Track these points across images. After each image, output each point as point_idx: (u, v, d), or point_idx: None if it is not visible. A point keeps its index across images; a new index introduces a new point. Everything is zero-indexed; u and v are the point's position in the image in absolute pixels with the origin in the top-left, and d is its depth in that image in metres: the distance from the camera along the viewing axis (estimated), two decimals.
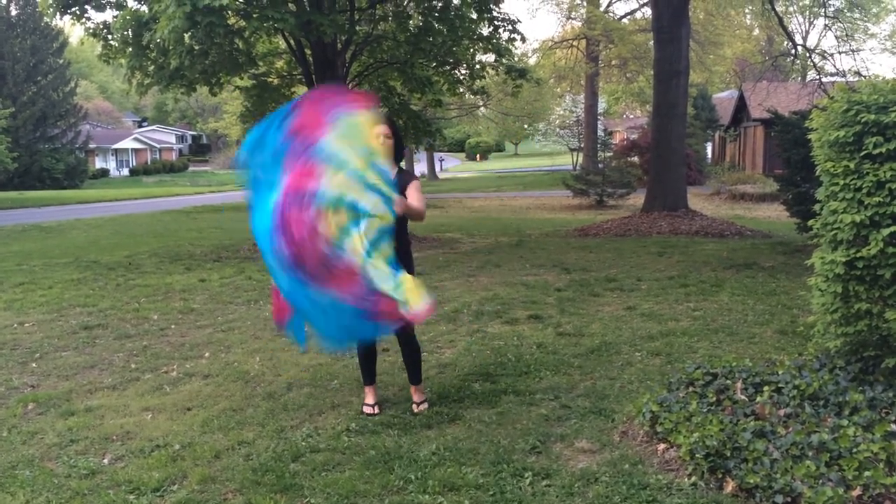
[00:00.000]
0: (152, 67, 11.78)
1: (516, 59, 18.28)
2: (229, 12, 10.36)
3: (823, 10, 20.17)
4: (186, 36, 10.09)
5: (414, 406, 4.33)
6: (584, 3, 31.42)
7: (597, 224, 14.94)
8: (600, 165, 24.51)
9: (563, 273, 9.07)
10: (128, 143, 58.75)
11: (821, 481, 3.01)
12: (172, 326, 6.72)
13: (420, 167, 43.65)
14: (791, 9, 33.52)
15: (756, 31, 40.52)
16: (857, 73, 15.52)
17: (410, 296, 3.82)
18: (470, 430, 3.98)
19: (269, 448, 3.83)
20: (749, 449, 3.25)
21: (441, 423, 4.11)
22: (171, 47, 10.23)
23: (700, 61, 29.10)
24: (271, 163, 3.88)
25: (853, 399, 3.61)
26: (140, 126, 71.59)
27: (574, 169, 37.41)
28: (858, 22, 34.82)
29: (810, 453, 3.19)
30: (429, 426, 4.07)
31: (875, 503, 2.93)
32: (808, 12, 37.90)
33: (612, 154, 27.30)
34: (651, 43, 20.61)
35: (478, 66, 14.18)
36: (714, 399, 3.87)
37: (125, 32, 11.51)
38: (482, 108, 38.47)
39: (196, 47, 10.65)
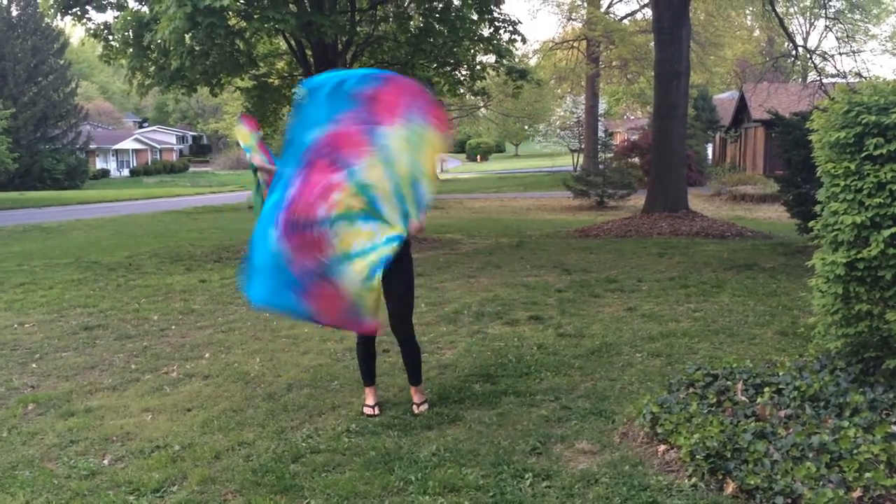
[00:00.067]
0: (153, 68, 11.79)
1: (517, 60, 18.28)
2: (230, 13, 10.36)
3: (824, 11, 20.18)
4: (187, 37, 10.09)
5: (414, 407, 4.33)
6: (585, 4, 31.42)
7: (597, 225, 14.94)
8: (601, 166, 24.49)
9: (563, 274, 9.07)
10: (128, 144, 58.76)
11: (821, 483, 3.01)
12: (173, 327, 6.72)
13: None
14: (792, 10, 33.49)
15: (757, 32, 40.53)
16: (858, 75, 15.53)
17: (365, 305, 3.81)
18: (470, 431, 3.98)
19: (269, 449, 3.83)
20: (749, 450, 3.25)
21: (441, 424, 4.11)
22: (171, 48, 10.24)
23: (701, 62, 29.09)
24: (324, 110, 3.83)
25: (854, 400, 3.61)
26: (141, 127, 71.63)
27: (575, 170, 37.39)
28: (859, 23, 34.80)
29: (811, 454, 3.19)
30: (429, 427, 4.07)
31: None
32: (808, 13, 37.89)
33: (612, 155, 27.28)
34: (652, 44, 20.61)
35: (478, 67, 14.18)
36: (714, 400, 3.87)
37: (126, 33, 11.52)
38: (483, 109, 38.46)
39: (197, 48, 10.65)
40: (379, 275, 3.88)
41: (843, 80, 15.25)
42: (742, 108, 32.05)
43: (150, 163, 59.21)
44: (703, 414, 3.66)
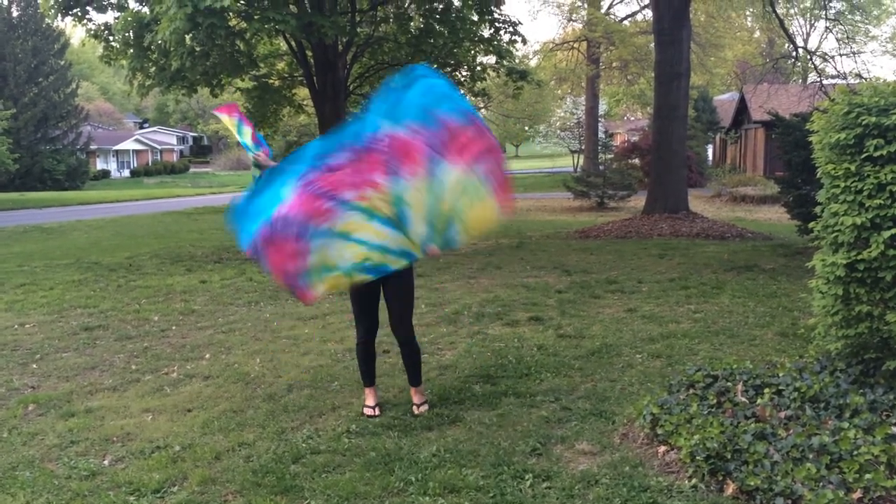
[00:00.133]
0: (153, 69, 11.80)
1: (517, 60, 18.30)
2: (230, 14, 10.38)
3: (824, 12, 20.16)
4: (188, 37, 10.11)
5: (414, 408, 4.33)
6: (585, 5, 31.40)
7: (597, 226, 14.94)
8: (601, 167, 24.49)
9: (563, 275, 9.07)
10: (129, 145, 58.78)
11: (821, 484, 3.01)
12: (173, 328, 6.72)
13: None
14: (792, 11, 33.50)
15: (757, 34, 40.53)
16: (858, 76, 15.52)
17: (320, 281, 3.82)
18: (470, 432, 3.98)
19: (269, 449, 3.83)
20: (750, 451, 3.25)
21: (441, 424, 4.11)
22: (172, 49, 10.25)
23: (701, 63, 29.09)
24: (410, 110, 3.78)
25: (854, 401, 3.61)
26: (141, 127, 71.67)
27: (575, 171, 37.38)
28: (859, 24, 34.76)
29: (811, 456, 3.19)
30: (429, 428, 4.07)
31: None
32: (808, 14, 37.88)
33: (612, 156, 27.29)
34: (652, 45, 20.61)
35: (479, 68, 14.21)
36: (715, 401, 3.87)
37: (126, 34, 11.54)
38: (483, 110, 38.44)
39: (197, 49, 10.67)
40: (365, 277, 3.87)
41: (844, 82, 15.25)
42: (742, 109, 32.03)
43: (150, 163, 59.25)
44: (703, 415, 3.66)
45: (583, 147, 38.24)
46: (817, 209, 3.97)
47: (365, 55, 14.10)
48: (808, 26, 43.18)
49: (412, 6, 13.55)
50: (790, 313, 6.58)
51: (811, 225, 4.09)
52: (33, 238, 16.04)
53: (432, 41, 12.87)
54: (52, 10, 11.92)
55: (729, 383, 4.06)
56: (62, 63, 44.14)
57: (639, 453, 3.64)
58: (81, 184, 44.05)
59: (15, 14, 42.34)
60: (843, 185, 3.71)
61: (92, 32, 12.85)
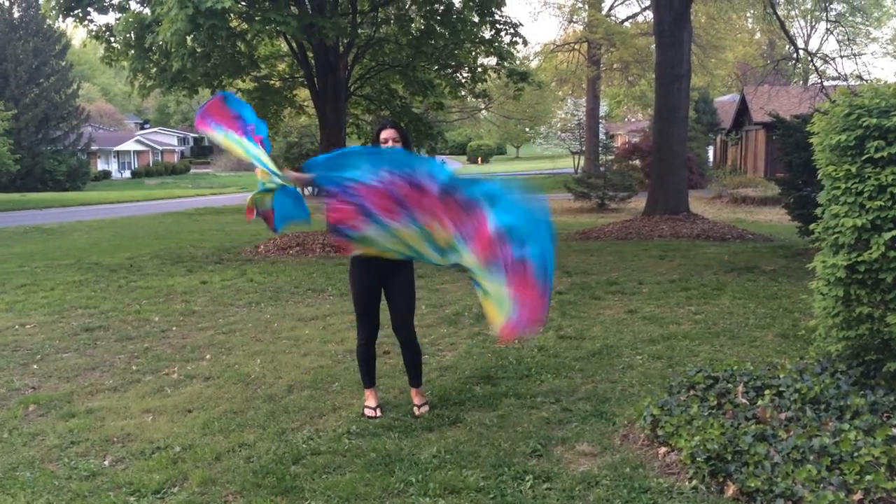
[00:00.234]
0: (154, 70, 11.81)
1: (518, 62, 18.31)
2: (231, 15, 10.39)
3: (825, 14, 20.18)
4: (189, 38, 10.11)
5: (415, 409, 4.33)
6: (586, 7, 31.41)
7: (598, 227, 14.94)
8: (602, 169, 24.47)
9: (564, 276, 9.07)
10: (130, 146, 58.81)
11: (822, 485, 3.01)
12: (174, 328, 6.73)
13: None
14: (793, 13, 33.55)
15: (758, 35, 40.52)
16: (859, 77, 15.54)
17: (359, 242, 3.98)
18: (471, 433, 3.98)
19: (269, 450, 3.83)
20: (750, 452, 3.25)
21: (442, 425, 4.11)
22: (173, 50, 10.26)
23: (702, 65, 29.10)
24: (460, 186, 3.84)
25: (854, 403, 3.60)
26: (142, 128, 71.69)
27: (575, 172, 37.36)
28: (860, 26, 34.76)
29: (811, 457, 3.19)
30: (430, 429, 4.07)
31: None
32: (809, 16, 37.94)
33: (613, 157, 27.27)
34: (653, 47, 20.61)
35: (479, 70, 14.21)
36: (715, 402, 3.87)
37: (127, 35, 11.55)
38: (484, 111, 38.46)
39: (198, 50, 10.68)
40: (391, 253, 3.99)
41: (844, 83, 15.27)
42: (743, 110, 32.02)
43: (151, 164, 59.28)
44: (703, 416, 3.66)
45: (583, 148, 38.23)
46: (818, 211, 3.97)
47: (366, 56, 14.10)
48: (808, 28, 43.25)
49: (413, 7, 13.56)
50: (791, 315, 6.58)
51: (812, 226, 4.09)
52: (34, 239, 16.05)
53: (433, 42, 12.87)
54: (54, 11, 11.92)
55: (730, 385, 4.06)
56: (63, 64, 44.19)
57: (639, 454, 3.64)
58: (82, 184, 44.09)
59: (16, 15, 42.41)
60: (843, 186, 3.71)
61: (93, 33, 12.85)
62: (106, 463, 3.76)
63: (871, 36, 39.62)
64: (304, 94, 16.13)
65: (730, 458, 3.27)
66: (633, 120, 50.51)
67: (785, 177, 10.99)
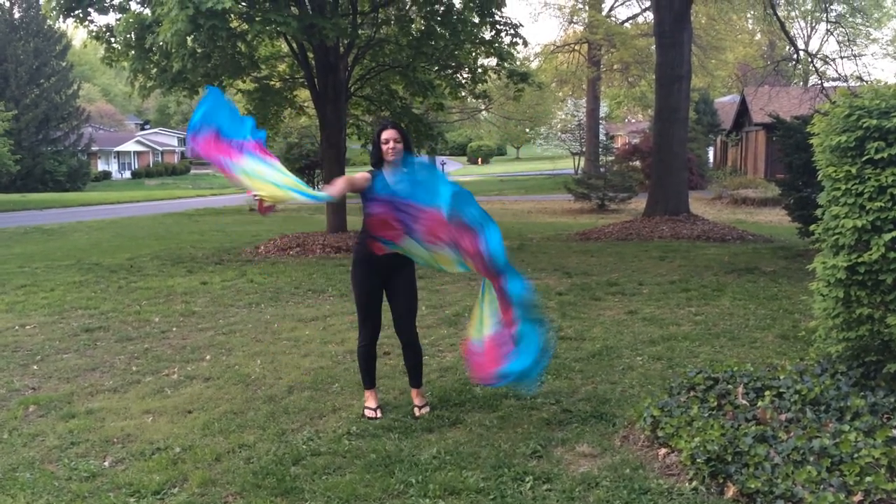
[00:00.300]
0: (155, 70, 11.81)
1: (518, 63, 18.31)
2: (232, 15, 10.39)
3: (825, 14, 20.18)
4: (189, 39, 10.11)
5: (415, 409, 4.33)
6: (586, 8, 31.42)
7: (598, 228, 14.94)
8: (602, 169, 24.49)
9: (564, 277, 9.07)
10: (130, 146, 58.83)
11: (822, 486, 3.01)
12: (174, 329, 6.73)
13: None
14: (793, 14, 33.53)
15: (758, 36, 40.53)
16: (859, 78, 15.53)
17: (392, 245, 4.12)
18: (471, 434, 3.98)
19: (269, 451, 3.83)
20: (750, 454, 3.25)
21: (442, 426, 4.11)
22: (173, 50, 10.26)
23: (702, 66, 29.11)
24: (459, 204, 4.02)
25: (854, 404, 3.60)
26: (142, 129, 71.69)
27: (576, 173, 37.38)
28: (860, 27, 34.76)
29: (811, 458, 3.19)
30: (430, 430, 4.07)
31: None
32: (809, 17, 37.92)
33: (613, 158, 27.30)
34: (653, 47, 20.61)
35: (480, 70, 14.20)
36: (715, 404, 3.86)
37: (128, 35, 11.54)
38: (484, 112, 38.47)
39: (198, 50, 10.68)
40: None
41: (845, 84, 15.27)
42: (743, 111, 32.04)
43: (151, 165, 59.29)
44: (703, 417, 3.66)
45: (584, 149, 38.24)
46: (818, 212, 3.97)
47: (366, 57, 14.09)
48: (809, 29, 43.26)
49: (413, 8, 13.56)
50: (791, 316, 6.58)
51: (812, 227, 4.09)
52: (34, 239, 16.05)
53: (433, 43, 12.86)
54: (54, 12, 11.92)
55: (730, 386, 4.06)
56: (64, 64, 44.21)
57: (639, 456, 3.64)
58: (82, 185, 44.10)
59: (17, 15, 42.43)
60: (843, 187, 3.71)
61: (93, 34, 12.84)
62: (106, 464, 3.76)
63: (871, 37, 39.67)
64: (304, 94, 16.13)
65: (730, 459, 3.27)
66: (634, 121, 50.52)
67: (785, 178, 11.00)
